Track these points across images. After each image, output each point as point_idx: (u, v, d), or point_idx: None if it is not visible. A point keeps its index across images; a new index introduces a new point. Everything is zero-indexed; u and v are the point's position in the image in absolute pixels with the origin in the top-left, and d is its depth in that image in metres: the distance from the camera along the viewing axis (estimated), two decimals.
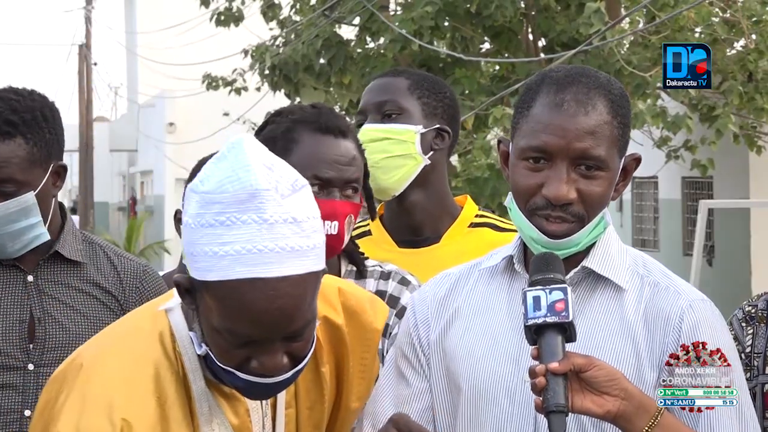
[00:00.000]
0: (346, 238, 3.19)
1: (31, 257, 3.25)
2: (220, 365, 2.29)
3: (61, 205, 3.35)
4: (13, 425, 3.17)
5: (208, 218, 2.24)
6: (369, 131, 3.52)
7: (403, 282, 3.27)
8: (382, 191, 3.53)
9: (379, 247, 3.57)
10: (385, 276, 3.28)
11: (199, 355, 2.36)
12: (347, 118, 3.33)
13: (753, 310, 3.01)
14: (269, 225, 2.22)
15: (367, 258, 3.33)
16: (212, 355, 2.30)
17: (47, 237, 3.23)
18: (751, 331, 3.00)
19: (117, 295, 3.27)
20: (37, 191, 3.18)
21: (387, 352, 2.86)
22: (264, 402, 2.47)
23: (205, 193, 2.25)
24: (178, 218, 3.76)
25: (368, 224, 3.66)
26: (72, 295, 3.25)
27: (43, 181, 3.19)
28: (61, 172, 3.26)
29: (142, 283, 3.32)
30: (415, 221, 3.57)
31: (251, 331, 2.24)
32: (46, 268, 3.25)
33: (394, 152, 3.48)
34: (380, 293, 3.24)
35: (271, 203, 2.23)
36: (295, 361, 2.31)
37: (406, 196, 3.55)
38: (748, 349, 2.98)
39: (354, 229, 3.66)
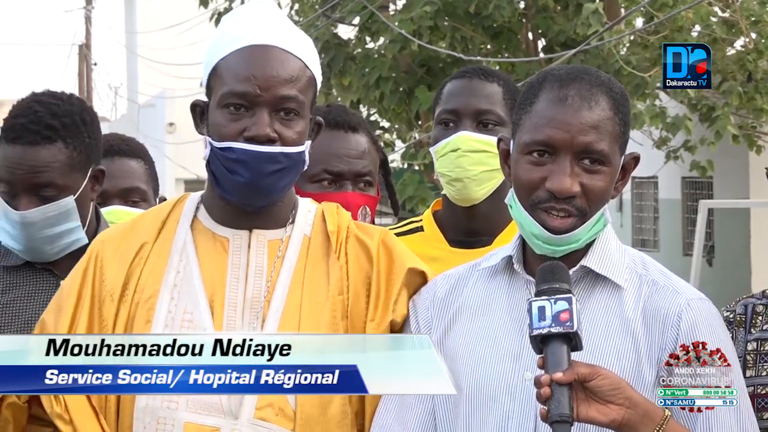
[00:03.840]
0: None
1: (66, 261, 3.20)
2: (218, 147, 2.67)
3: (96, 209, 3.36)
4: None
5: (218, 32, 2.79)
6: (470, 141, 3.45)
7: None
8: (468, 201, 3.48)
9: (429, 244, 3.55)
10: None
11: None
12: (360, 114, 3.31)
13: (731, 315, 3.02)
14: (265, 15, 2.76)
15: None
16: (214, 144, 2.69)
17: (85, 241, 3.22)
18: (730, 335, 3.01)
19: None
20: (76, 195, 3.19)
21: None
22: (264, 265, 2.74)
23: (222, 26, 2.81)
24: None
25: (421, 221, 3.64)
26: None
27: (83, 185, 3.21)
28: (99, 177, 3.28)
29: None
30: (478, 225, 3.52)
31: (248, 84, 2.67)
32: None
33: (492, 166, 3.38)
34: None
35: (268, 7, 2.79)
36: (283, 143, 2.68)
37: (478, 204, 3.51)
38: None
39: (406, 224, 3.66)
